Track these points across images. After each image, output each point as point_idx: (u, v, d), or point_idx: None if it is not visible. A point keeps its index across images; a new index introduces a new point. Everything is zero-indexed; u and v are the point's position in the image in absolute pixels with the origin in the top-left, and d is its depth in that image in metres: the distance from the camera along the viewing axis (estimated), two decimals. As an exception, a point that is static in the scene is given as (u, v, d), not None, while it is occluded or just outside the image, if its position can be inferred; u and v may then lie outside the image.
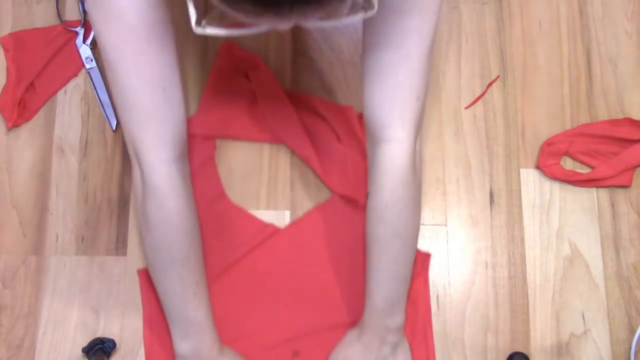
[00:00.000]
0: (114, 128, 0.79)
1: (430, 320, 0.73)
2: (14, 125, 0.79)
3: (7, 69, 0.81)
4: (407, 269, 0.67)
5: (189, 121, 0.77)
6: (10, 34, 0.82)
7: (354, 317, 0.72)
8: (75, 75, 0.81)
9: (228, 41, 0.79)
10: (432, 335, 0.72)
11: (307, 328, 0.73)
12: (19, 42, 0.81)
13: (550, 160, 0.77)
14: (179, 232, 0.63)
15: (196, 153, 0.77)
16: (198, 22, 0.46)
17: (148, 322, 0.73)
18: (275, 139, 0.78)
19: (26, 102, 0.80)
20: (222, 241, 0.75)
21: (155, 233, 0.63)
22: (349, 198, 0.75)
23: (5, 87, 0.80)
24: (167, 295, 0.66)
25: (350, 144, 0.77)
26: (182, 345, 0.66)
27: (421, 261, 0.74)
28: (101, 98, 0.79)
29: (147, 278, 0.73)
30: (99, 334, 0.73)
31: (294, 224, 0.76)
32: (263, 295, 0.74)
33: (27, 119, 0.80)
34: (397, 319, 0.67)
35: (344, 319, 0.73)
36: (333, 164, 0.77)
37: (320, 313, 0.73)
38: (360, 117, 0.75)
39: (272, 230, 0.76)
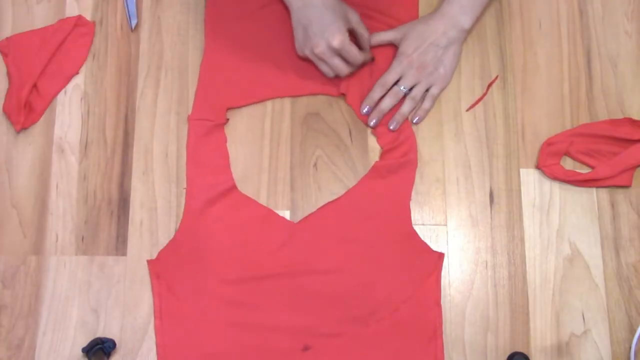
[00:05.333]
0: (133, 27, 0.81)
1: (440, 318, 0.73)
2: (22, 127, 0.79)
3: (9, 73, 0.81)
4: None
5: (195, 103, 0.80)
6: (6, 38, 0.82)
7: (367, 312, 0.73)
8: (77, 72, 0.81)
9: None
10: (441, 334, 0.72)
11: (318, 322, 0.73)
12: (16, 45, 0.81)
13: (550, 160, 0.77)
14: None
15: (208, 140, 0.78)
16: None
17: (159, 313, 0.73)
18: (293, 89, 0.80)
19: (31, 104, 0.80)
20: (234, 233, 0.75)
21: None
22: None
23: (9, 92, 0.80)
24: None
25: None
26: None
27: (434, 261, 0.75)
28: None
29: (156, 268, 0.74)
30: (99, 334, 0.73)
31: (307, 217, 0.76)
32: (274, 287, 0.74)
33: (35, 121, 0.80)
34: (468, 21, 0.77)
35: (357, 314, 0.73)
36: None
37: (332, 308, 0.73)
38: None
39: (285, 223, 0.76)
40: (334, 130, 0.79)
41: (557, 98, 0.81)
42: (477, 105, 0.80)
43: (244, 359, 0.72)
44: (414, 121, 0.79)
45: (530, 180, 0.78)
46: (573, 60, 0.82)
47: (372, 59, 0.80)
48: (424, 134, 0.79)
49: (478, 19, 0.78)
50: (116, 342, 0.73)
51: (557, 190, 0.77)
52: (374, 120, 0.78)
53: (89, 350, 0.70)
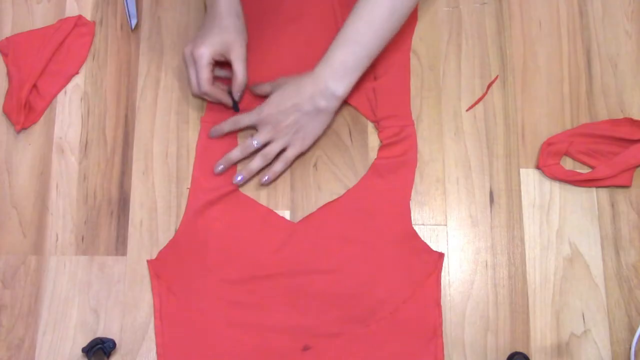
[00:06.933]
0: (133, 27, 0.81)
1: (440, 318, 0.73)
2: (22, 127, 0.79)
3: (8, 73, 0.81)
4: (379, 43, 0.68)
5: (208, 106, 0.80)
6: (6, 38, 0.82)
7: (367, 312, 0.73)
8: (77, 72, 0.81)
9: None
10: (441, 334, 0.72)
11: (318, 322, 0.73)
12: (16, 45, 0.81)
13: (550, 160, 0.77)
14: None
15: (218, 143, 0.78)
16: None
17: (159, 313, 0.73)
18: None
19: (31, 104, 0.80)
20: (234, 233, 0.75)
21: None
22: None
23: (9, 92, 0.80)
24: None
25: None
26: None
27: (434, 261, 0.75)
28: None
29: (156, 268, 0.74)
30: (99, 334, 0.73)
31: (307, 217, 0.76)
32: (274, 287, 0.74)
33: (34, 121, 0.80)
34: (340, 88, 0.69)
35: (357, 314, 0.73)
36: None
37: (332, 308, 0.73)
38: None
39: (285, 223, 0.76)
40: (334, 130, 0.79)
41: (557, 98, 0.81)
42: (477, 105, 0.80)
43: (244, 359, 0.72)
44: (262, 181, 0.74)
45: (530, 180, 0.78)
46: (573, 60, 0.82)
47: (236, 108, 0.77)
48: (424, 134, 0.79)
49: (354, 86, 0.71)
50: (116, 342, 0.73)
51: (557, 190, 0.77)
52: (221, 167, 0.75)
53: (89, 350, 0.70)
